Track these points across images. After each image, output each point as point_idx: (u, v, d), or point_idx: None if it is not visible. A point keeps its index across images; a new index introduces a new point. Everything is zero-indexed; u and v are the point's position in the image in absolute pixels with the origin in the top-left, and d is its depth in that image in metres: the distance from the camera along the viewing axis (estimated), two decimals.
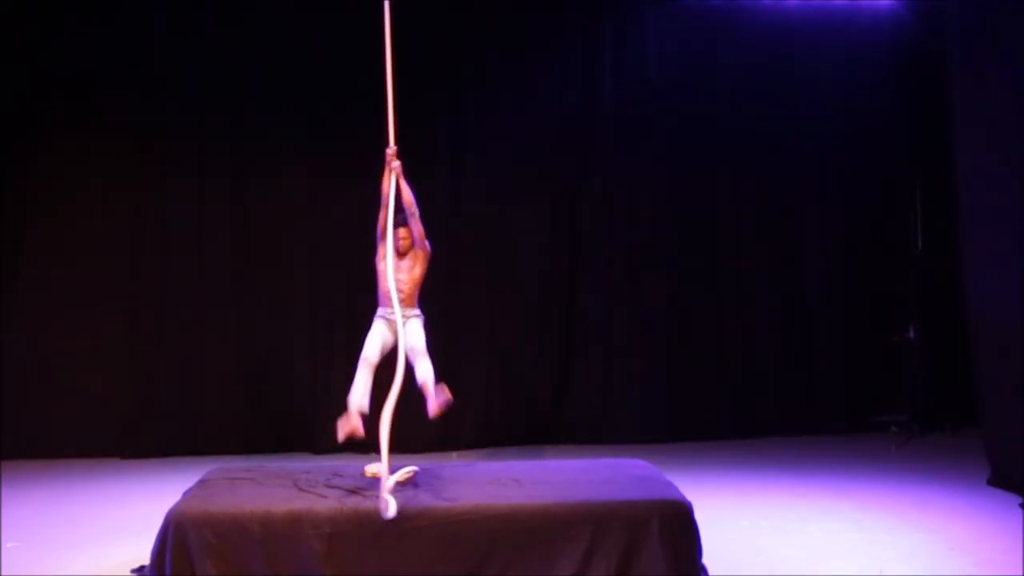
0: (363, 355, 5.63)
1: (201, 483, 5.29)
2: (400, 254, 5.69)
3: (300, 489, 5.03)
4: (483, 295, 9.26)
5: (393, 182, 5.60)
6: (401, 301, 5.54)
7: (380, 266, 5.68)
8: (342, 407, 8.69)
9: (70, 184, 8.97)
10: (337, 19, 9.03)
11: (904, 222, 9.86)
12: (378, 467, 5.05)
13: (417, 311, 5.87)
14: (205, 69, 9.04)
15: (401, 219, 5.68)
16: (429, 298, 9.12)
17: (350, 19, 8.87)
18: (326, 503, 4.77)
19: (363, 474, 5.31)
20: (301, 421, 8.92)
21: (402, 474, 5.24)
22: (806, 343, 9.65)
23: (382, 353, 5.64)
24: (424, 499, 4.85)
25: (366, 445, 8.67)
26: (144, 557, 4.91)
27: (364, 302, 9.12)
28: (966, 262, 7.54)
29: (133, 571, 5.09)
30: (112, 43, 8.95)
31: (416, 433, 8.26)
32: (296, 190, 9.12)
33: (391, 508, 4.60)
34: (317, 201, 9.10)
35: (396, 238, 5.64)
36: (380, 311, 5.78)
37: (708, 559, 4.90)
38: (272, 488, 5.05)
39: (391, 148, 5.66)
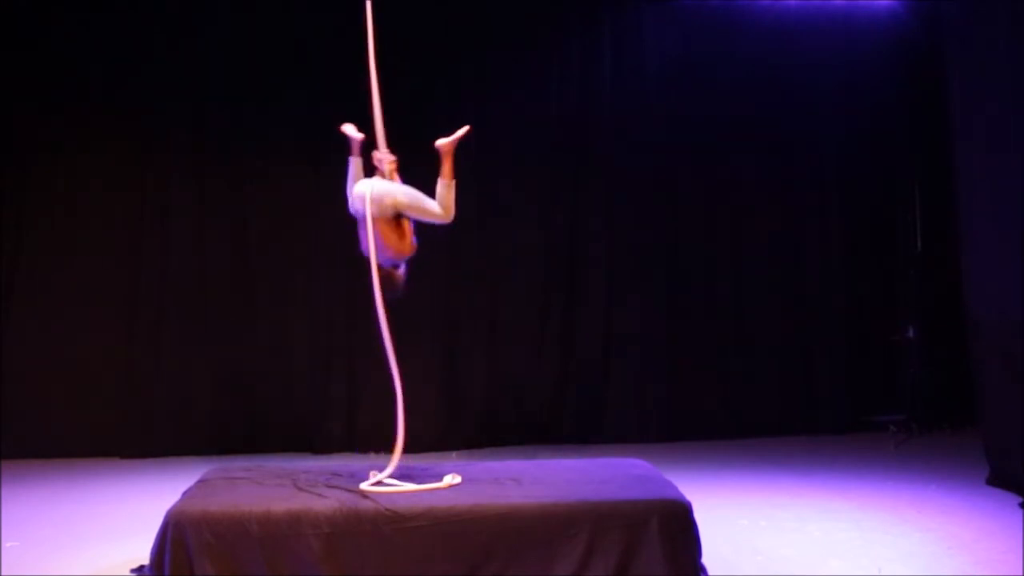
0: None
1: (200, 483, 5.28)
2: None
3: (299, 489, 5.02)
4: (482, 294, 9.27)
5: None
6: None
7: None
8: (341, 408, 8.82)
9: (70, 184, 8.98)
10: (339, 19, 9.02)
11: (904, 222, 9.87)
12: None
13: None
14: (205, 69, 9.05)
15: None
16: (429, 297, 9.19)
17: (352, 18, 8.84)
18: (326, 503, 4.76)
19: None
20: (301, 421, 8.93)
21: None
22: (805, 343, 9.66)
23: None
24: (424, 499, 4.85)
25: (365, 446, 8.76)
26: (144, 557, 4.90)
27: (363, 302, 9.16)
28: (966, 262, 7.53)
29: (133, 571, 5.09)
30: (112, 43, 8.96)
31: (416, 433, 8.25)
32: (296, 190, 9.13)
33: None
34: (317, 201, 9.09)
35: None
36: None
37: (707, 559, 4.90)
38: (271, 488, 5.05)
39: (386, 155, 5.49)
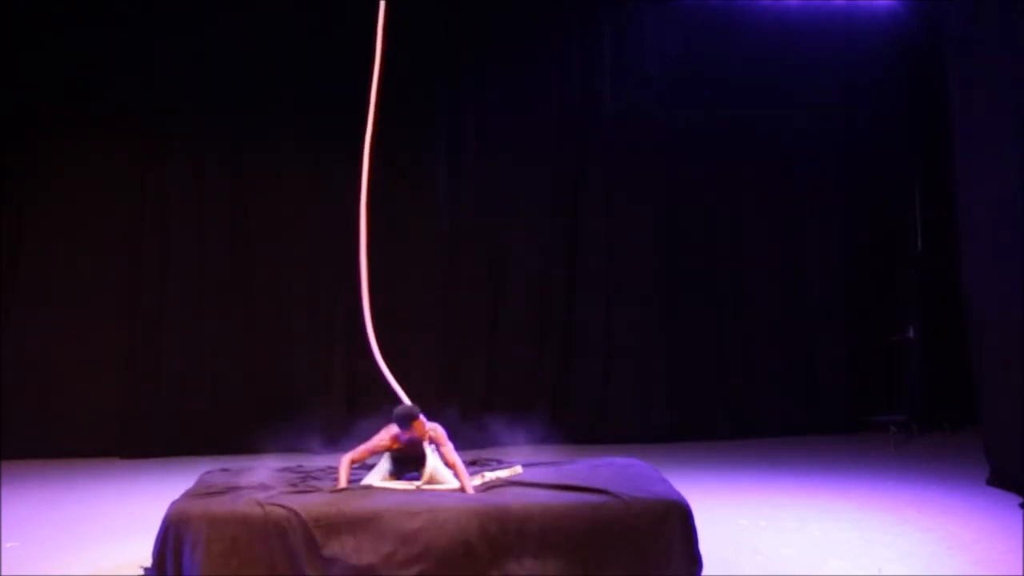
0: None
1: (200, 483, 5.29)
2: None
3: (300, 488, 5.04)
4: (483, 295, 9.27)
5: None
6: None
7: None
8: (341, 407, 8.81)
9: (70, 184, 9.00)
10: (339, 20, 9.04)
11: (904, 222, 9.87)
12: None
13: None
14: (205, 69, 9.06)
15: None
16: (429, 297, 9.18)
17: (352, 19, 8.87)
18: (326, 501, 4.77)
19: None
20: (300, 421, 8.91)
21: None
22: (806, 343, 9.66)
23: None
24: (424, 500, 4.85)
25: None
26: (144, 557, 4.91)
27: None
28: (966, 262, 7.53)
29: (143, 568, 5.06)
30: (112, 43, 8.97)
31: None
32: (296, 190, 9.14)
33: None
34: (317, 201, 9.12)
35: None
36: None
37: (707, 559, 4.89)
38: (272, 487, 5.06)
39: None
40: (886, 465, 8.01)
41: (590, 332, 9.38)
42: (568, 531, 4.67)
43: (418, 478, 5.21)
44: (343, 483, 5.02)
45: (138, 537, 5.41)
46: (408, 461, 5.22)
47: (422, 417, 5.14)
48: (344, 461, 5.14)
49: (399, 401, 5.29)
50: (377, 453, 5.25)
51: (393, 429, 5.19)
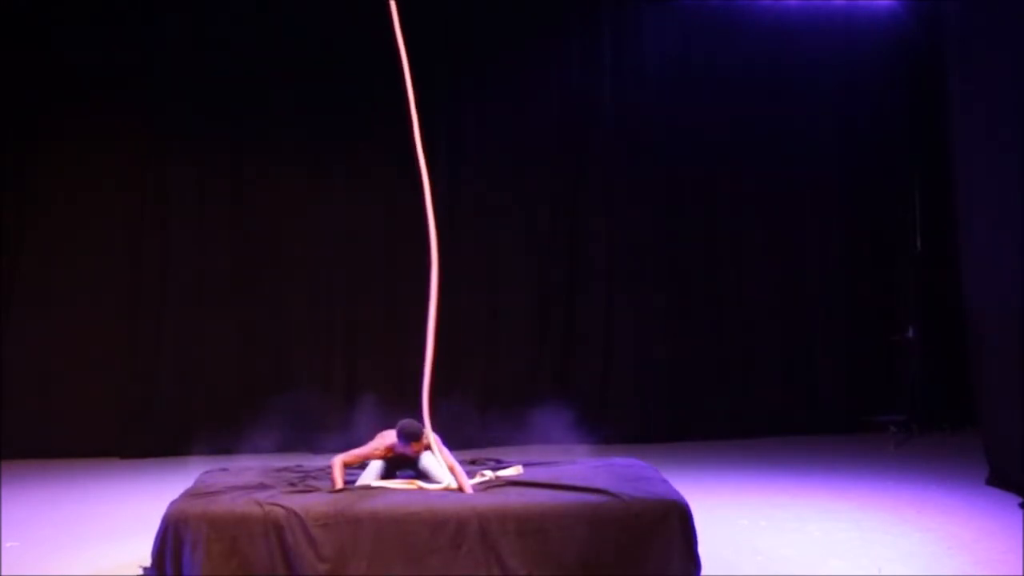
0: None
1: (199, 483, 5.29)
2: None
3: (299, 488, 5.04)
4: (483, 295, 9.27)
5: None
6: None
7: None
8: (340, 407, 8.81)
9: (70, 184, 9.00)
10: (338, 19, 9.04)
11: (904, 222, 9.86)
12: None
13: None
14: (205, 69, 9.06)
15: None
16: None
17: (353, 20, 8.88)
18: (325, 501, 4.77)
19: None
20: (300, 421, 8.92)
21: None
22: (806, 343, 9.66)
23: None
24: (420, 498, 4.85)
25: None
26: (144, 557, 4.92)
27: (363, 302, 9.18)
28: (966, 262, 7.54)
29: (143, 568, 5.07)
30: (112, 43, 8.97)
31: None
32: (296, 190, 9.14)
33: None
34: (317, 201, 9.12)
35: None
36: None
37: (706, 559, 4.90)
38: (271, 487, 5.06)
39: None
40: (886, 465, 8.02)
41: (590, 332, 9.38)
42: (568, 531, 4.67)
43: (413, 476, 5.22)
44: (339, 484, 5.03)
45: (138, 537, 5.41)
46: (402, 461, 5.25)
47: (425, 438, 5.16)
48: (337, 462, 5.16)
49: (418, 416, 5.27)
50: (371, 459, 5.27)
51: (389, 438, 5.21)
